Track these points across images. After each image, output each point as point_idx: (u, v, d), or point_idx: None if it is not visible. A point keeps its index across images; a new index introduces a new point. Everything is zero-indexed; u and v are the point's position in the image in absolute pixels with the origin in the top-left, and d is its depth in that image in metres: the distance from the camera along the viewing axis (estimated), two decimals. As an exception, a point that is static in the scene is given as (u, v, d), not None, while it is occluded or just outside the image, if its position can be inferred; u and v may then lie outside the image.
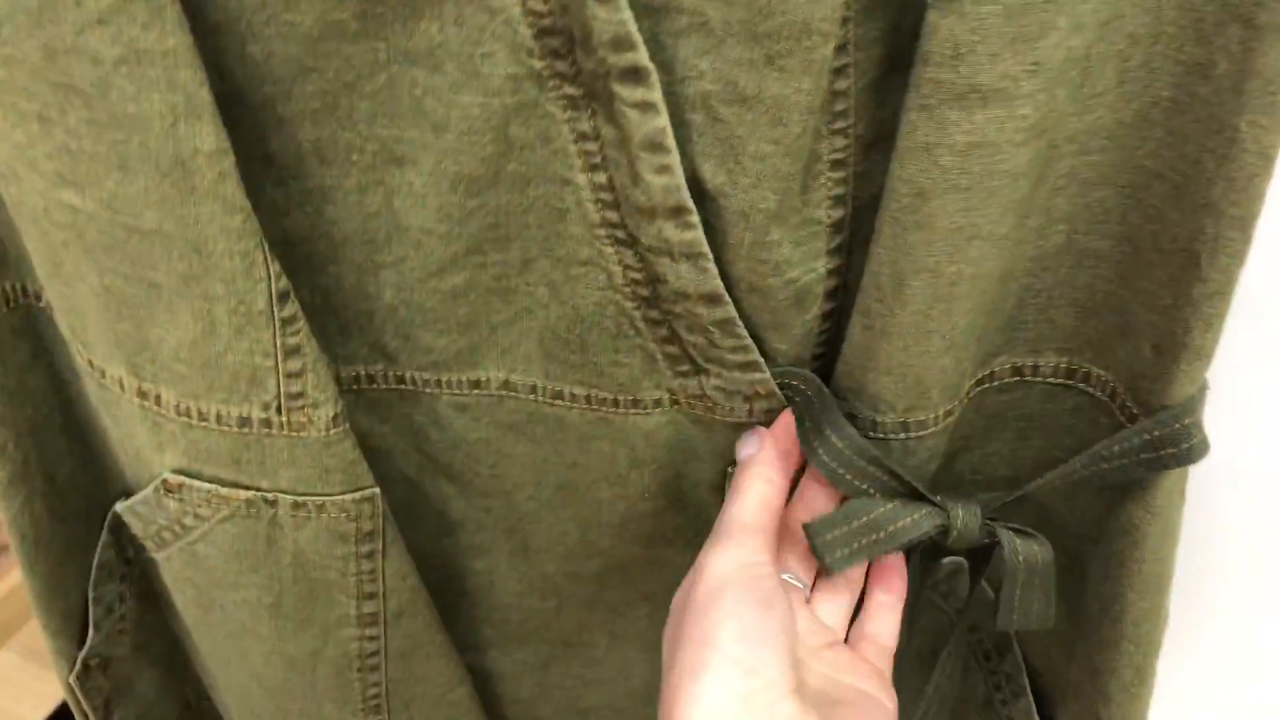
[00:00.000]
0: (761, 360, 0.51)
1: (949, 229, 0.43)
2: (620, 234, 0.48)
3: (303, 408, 0.51)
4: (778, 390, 0.52)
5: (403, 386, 0.57)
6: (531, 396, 0.57)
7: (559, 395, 0.56)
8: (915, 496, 0.50)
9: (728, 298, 0.48)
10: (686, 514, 0.61)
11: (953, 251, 0.44)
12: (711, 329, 0.50)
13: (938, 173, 0.41)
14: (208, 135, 0.41)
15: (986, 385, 0.55)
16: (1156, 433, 0.49)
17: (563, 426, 0.57)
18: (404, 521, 0.61)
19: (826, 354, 0.54)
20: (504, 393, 0.57)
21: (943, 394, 0.50)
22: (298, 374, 0.50)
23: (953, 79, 0.39)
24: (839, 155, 0.46)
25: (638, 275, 0.49)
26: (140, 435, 0.54)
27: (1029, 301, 0.52)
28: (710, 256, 0.47)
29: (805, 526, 0.50)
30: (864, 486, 0.50)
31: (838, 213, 0.49)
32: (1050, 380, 0.55)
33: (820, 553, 0.49)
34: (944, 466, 0.57)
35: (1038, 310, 0.52)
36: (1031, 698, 0.66)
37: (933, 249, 0.44)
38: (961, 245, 0.43)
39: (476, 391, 0.57)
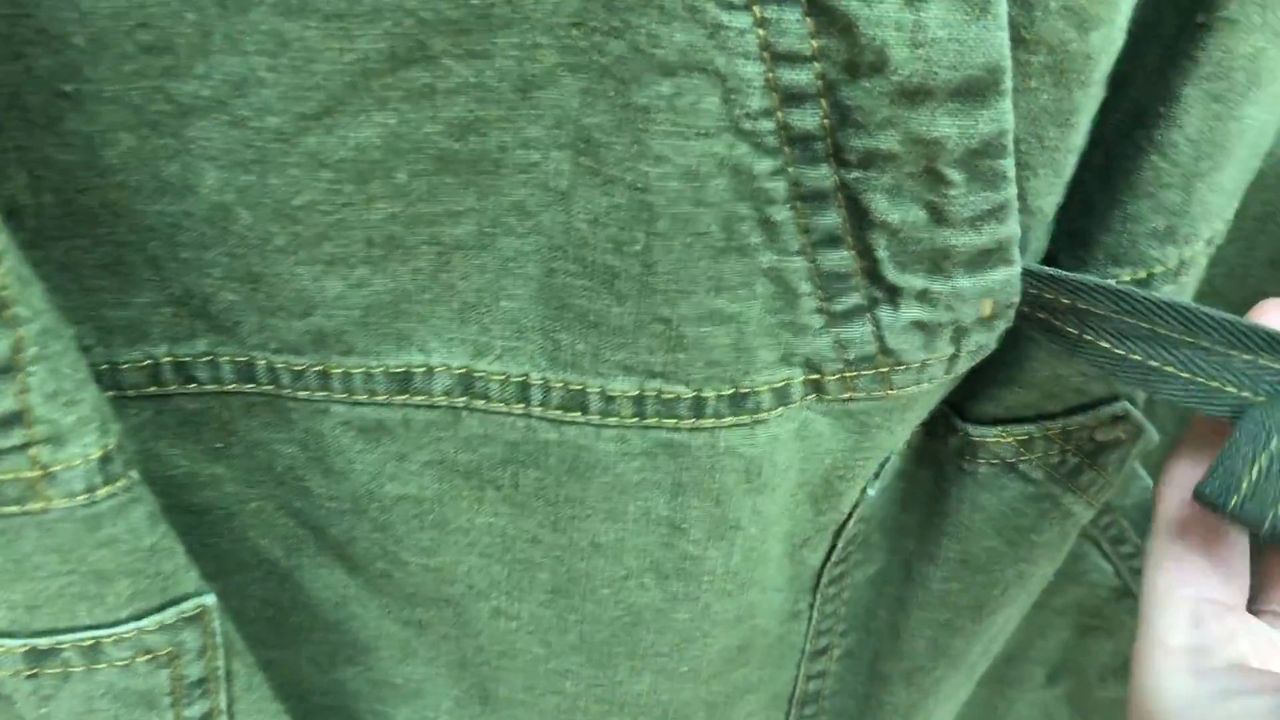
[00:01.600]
0: (1019, 231, 0.26)
1: None
2: None
3: (26, 448, 0.23)
4: (1017, 300, 0.27)
5: (251, 387, 0.28)
6: (519, 406, 0.28)
7: (577, 399, 0.28)
8: None
9: (1009, 77, 0.23)
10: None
11: None
12: (952, 169, 0.24)
13: None
14: None
15: None
16: None
17: (577, 468, 0.29)
18: (265, 647, 0.34)
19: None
20: (458, 400, 0.28)
21: None
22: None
23: None
24: None
25: (832, 59, 0.22)
26: None
27: None
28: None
29: (1202, 489, 0.27)
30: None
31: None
32: None
33: (1251, 517, 0.27)
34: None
35: None
36: None
37: None
38: None
39: (402, 397, 0.28)
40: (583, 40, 0.23)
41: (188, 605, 0.28)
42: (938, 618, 0.36)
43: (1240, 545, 0.29)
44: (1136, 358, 0.27)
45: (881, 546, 0.36)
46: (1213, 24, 0.25)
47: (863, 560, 0.36)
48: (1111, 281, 0.27)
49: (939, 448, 0.34)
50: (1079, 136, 0.25)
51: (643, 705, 0.35)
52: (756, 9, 0.21)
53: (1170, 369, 0.27)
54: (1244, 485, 0.26)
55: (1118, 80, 0.27)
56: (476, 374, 0.28)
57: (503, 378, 0.28)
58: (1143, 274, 0.28)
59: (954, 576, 0.35)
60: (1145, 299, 0.27)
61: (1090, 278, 0.27)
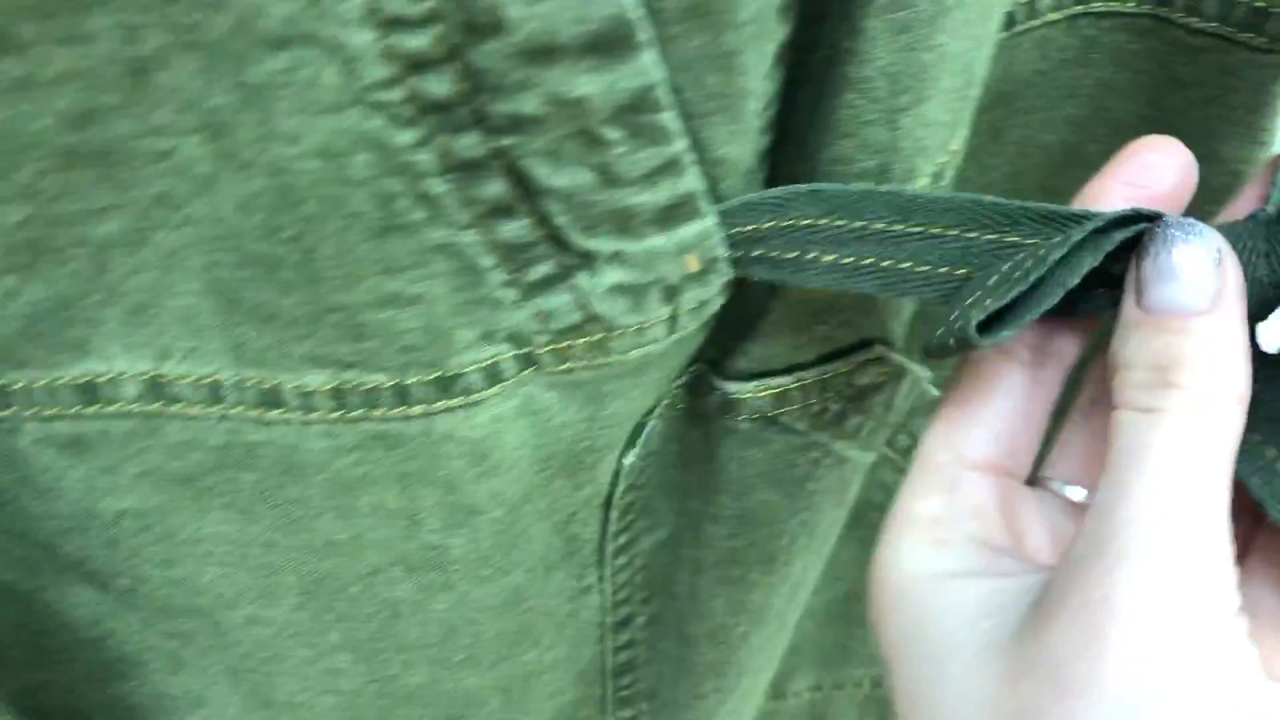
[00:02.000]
0: (701, 185, 0.25)
1: None
2: None
3: None
4: (723, 253, 0.26)
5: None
6: (217, 408, 0.26)
7: (273, 396, 0.26)
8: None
9: (645, 28, 0.21)
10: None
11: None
12: (606, 127, 0.22)
13: None
14: None
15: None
16: None
17: (292, 468, 0.27)
18: (32, 669, 0.34)
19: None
20: (151, 406, 0.26)
21: None
22: None
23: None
24: None
25: (449, 22, 0.21)
26: None
27: None
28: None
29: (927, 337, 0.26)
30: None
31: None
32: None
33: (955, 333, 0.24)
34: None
35: None
36: None
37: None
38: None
39: (93, 408, 0.26)
40: (185, 17, 0.21)
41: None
42: (730, 574, 0.35)
43: (1021, 408, 0.27)
44: (864, 261, 0.26)
45: (667, 510, 0.35)
46: None
47: (650, 526, 0.35)
48: (813, 185, 0.26)
49: (704, 406, 0.32)
50: (750, 79, 0.24)
51: (427, 697, 0.34)
52: (353, -29, 0.20)
53: (903, 265, 0.26)
54: (954, 311, 0.25)
55: (813, 14, 0.26)
56: (163, 378, 0.26)
57: (192, 380, 0.26)
58: None
59: (738, 533, 0.34)
60: (845, 191, 0.26)
61: (794, 186, 0.26)
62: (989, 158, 0.34)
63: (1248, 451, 0.24)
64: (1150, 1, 0.31)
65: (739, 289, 0.28)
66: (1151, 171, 0.26)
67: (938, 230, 0.26)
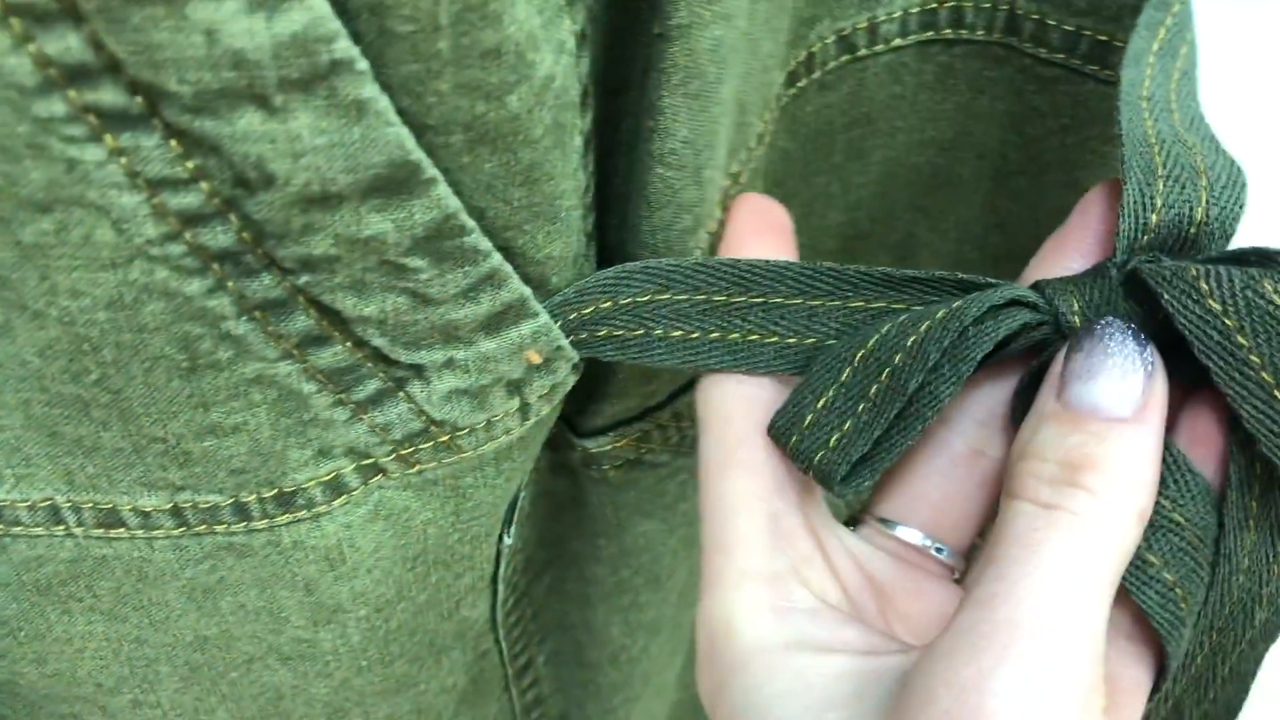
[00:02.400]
0: (527, 290, 0.24)
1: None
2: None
3: None
4: (566, 342, 0.26)
5: None
6: (59, 528, 0.26)
7: (112, 516, 0.26)
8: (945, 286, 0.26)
9: (429, 164, 0.21)
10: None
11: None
12: (407, 258, 0.22)
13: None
14: None
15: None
16: None
17: (146, 576, 0.27)
18: None
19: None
20: (-5, 527, 0.26)
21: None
22: None
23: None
24: None
25: (217, 179, 0.20)
26: None
27: None
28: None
29: (772, 424, 0.26)
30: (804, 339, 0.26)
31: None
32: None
33: (806, 457, 0.25)
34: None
35: None
36: None
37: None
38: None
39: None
40: (-50, 179, 0.20)
41: None
42: (621, 603, 0.36)
43: None
44: (711, 335, 0.26)
45: (549, 559, 0.35)
46: (669, 33, 0.23)
47: (534, 577, 0.35)
48: (646, 262, 0.26)
49: (566, 459, 0.32)
50: (557, 183, 0.23)
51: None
52: (109, 139, 0.19)
53: (751, 337, 0.26)
54: (807, 420, 0.25)
55: (615, 89, 0.25)
56: (4, 502, 0.26)
57: (28, 504, 0.25)
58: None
59: (621, 565, 0.34)
60: (679, 266, 0.25)
61: (627, 265, 0.25)
62: (855, 175, 0.34)
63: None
64: (1000, 30, 0.30)
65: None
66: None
67: (779, 300, 0.26)
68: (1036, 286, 0.24)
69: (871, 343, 0.24)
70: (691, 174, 0.25)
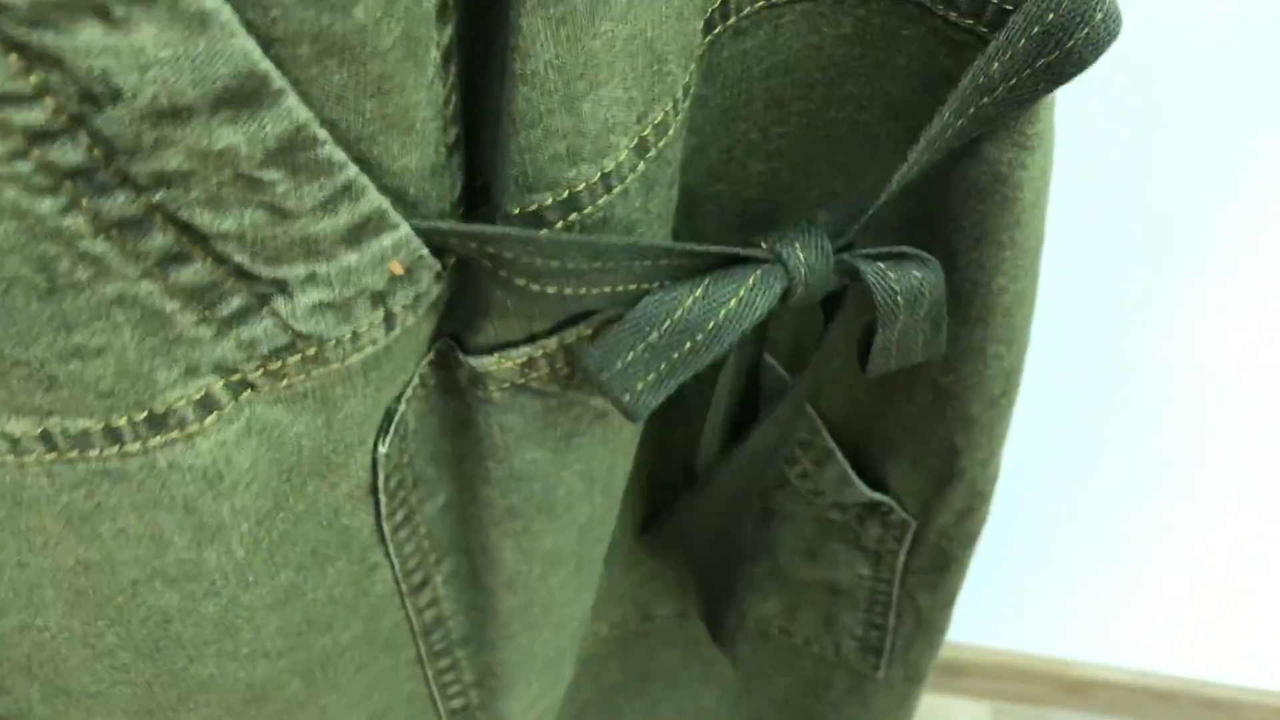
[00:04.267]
0: (385, 202, 0.24)
1: None
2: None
3: None
4: (427, 252, 0.26)
5: None
6: (-73, 454, 0.26)
7: (-19, 443, 0.26)
8: (724, 260, 0.30)
9: (277, 75, 0.21)
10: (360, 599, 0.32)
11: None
12: (262, 170, 0.22)
13: None
14: None
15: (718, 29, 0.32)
16: (1051, 15, 0.28)
17: (21, 502, 0.27)
18: None
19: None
20: None
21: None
22: None
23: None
24: None
25: (62, 94, 0.20)
26: None
27: None
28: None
29: (585, 360, 0.30)
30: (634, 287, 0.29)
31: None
32: None
33: (614, 393, 0.30)
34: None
35: None
36: (844, 462, 0.47)
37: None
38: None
39: None
40: None
41: None
42: (514, 528, 0.36)
43: None
44: (551, 291, 0.27)
45: (439, 478, 0.35)
46: None
47: (426, 495, 0.35)
48: (511, 229, 0.26)
49: (456, 379, 0.33)
50: (410, 94, 0.23)
51: (221, 684, 0.34)
52: (-58, 53, 0.18)
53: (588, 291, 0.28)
54: (617, 364, 0.29)
55: (478, 10, 0.25)
56: None
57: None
58: (564, 194, 0.27)
59: (511, 490, 0.35)
60: (544, 239, 0.26)
61: (491, 227, 0.26)
62: (775, 125, 0.34)
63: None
64: (912, -13, 0.30)
65: (466, 270, 0.28)
66: None
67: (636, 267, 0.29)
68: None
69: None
70: (562, 100, 0.25)
